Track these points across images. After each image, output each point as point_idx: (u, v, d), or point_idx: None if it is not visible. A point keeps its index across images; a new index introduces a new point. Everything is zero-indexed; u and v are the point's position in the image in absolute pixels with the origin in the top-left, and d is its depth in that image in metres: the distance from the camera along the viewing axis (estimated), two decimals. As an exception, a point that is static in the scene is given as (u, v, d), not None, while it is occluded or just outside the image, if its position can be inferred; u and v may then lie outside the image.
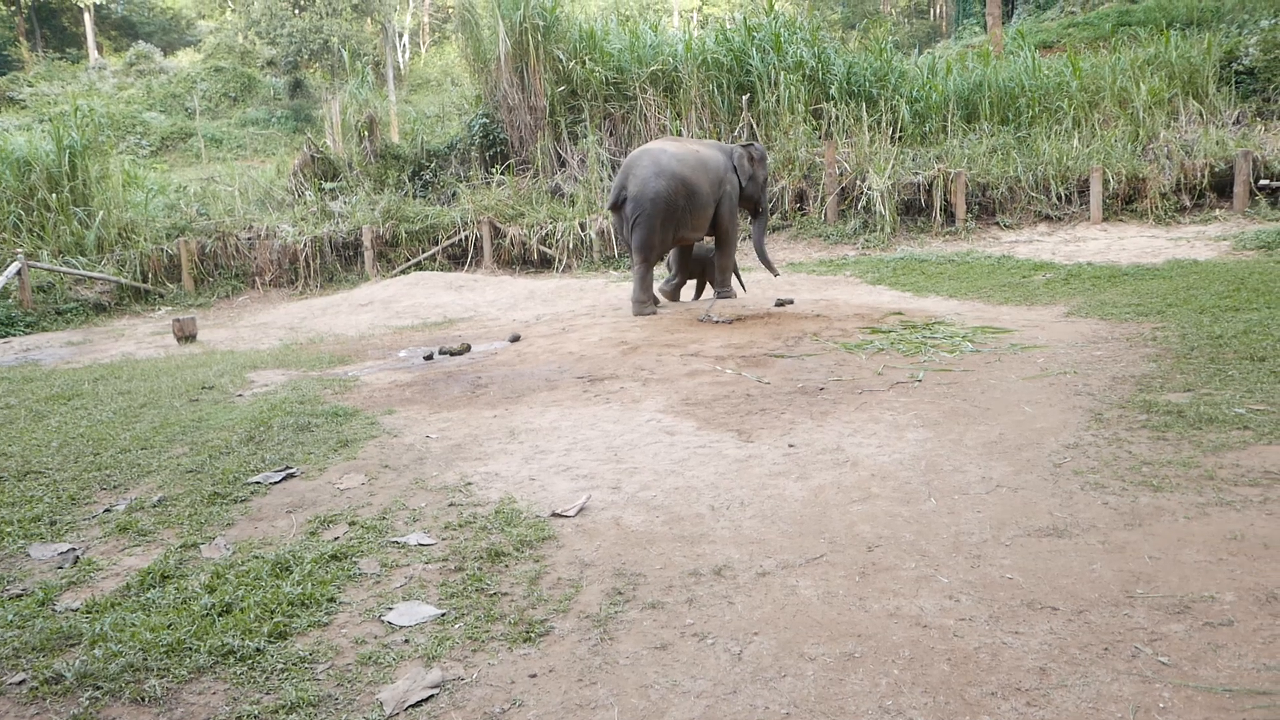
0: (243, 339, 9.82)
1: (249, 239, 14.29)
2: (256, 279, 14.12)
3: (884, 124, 14.28)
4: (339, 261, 14.35)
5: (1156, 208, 12.19)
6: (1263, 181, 11.70)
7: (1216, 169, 12.24)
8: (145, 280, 13.66)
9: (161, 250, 13.86)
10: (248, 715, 2.37)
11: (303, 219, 14.73)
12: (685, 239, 8.94)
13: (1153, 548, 2.99)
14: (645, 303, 8.77)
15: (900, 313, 7.84)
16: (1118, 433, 4.12)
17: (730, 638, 2.65)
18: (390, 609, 2.96)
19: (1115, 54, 15.36)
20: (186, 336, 9.68)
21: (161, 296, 13.60)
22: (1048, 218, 12.66)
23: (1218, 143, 12.57)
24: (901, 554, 3.10)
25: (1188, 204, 12.30)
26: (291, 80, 31.24)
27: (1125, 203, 12.51)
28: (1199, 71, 13.99)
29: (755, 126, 14.64)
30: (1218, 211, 12.09)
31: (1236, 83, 13.95)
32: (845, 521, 3.41)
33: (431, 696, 2.45)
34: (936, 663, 2.43)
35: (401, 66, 34.30)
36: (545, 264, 13.97)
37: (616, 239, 9.30)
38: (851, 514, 3.47)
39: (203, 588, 3.14)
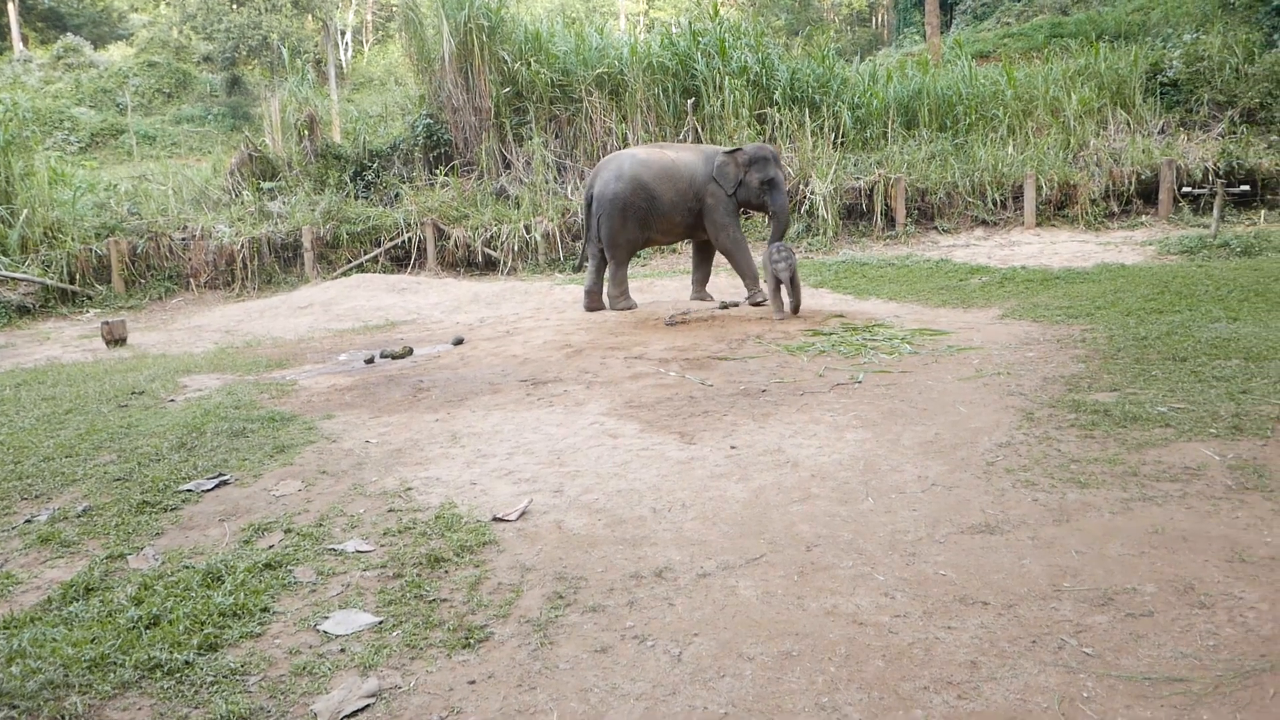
0: (176, 342, 9.56)
1: (183, 239, 13.89)
2: (191, 281, 13.73)
3: (826, 129, 14.50)
4: (278, 263, 14.03)
5: (1087, 213, 12.59)
6: (1186, 189, 12.16)
7: (1143, 176, 12.70)
8: (72, 281, 13.19)
9: (90, 250, 13.39)
10: (174, 730, 2.31)
11: (240, 219, 14.37)
12: (656, 241, 9.07)
13: (1079, 542, 3.08)
14: (618, 298, 9.00)
15: (842, 315, 7.96)
16: (1048, 431, 4.24)
17: (670, 639, 2.66)
18: (326, 618, 2.91)
19: (1048, 64, 15.83)
20: (116, 340, 9.37)
21: (90, 298, 13.15)
22: (984, 222, 12.98)
23: (1144, 151, 13.03)
24: (839, 553, 3.15)
25: (1116, 210, 12.72)
26: (229, 77, 30.50)
27: (1057, 208, 12.89)
28: (1127, 82, 14.49)
29: (700, 130, 14.74)
30: (1144, 217, 12.53)
31: (1161, 94, 14.48)
32: (785, 522, 3.44)
33: (368, 706, 2.41)
34: (872, 659, 2.47)
35: (343, 65, 33.73)
36: (490, 266, 13.86)
37: (585, 237, 9.24)
38: (791, 514, 3.51)
39: (129, 600, 3.05)
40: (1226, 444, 3.86)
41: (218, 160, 17.87)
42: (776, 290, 7.85)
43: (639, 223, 8.63)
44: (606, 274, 9.06)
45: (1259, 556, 2.88)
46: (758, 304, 8.61)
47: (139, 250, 13.63)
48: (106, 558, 3.44)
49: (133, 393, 6.41)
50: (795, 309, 7.88)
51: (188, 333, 10.25)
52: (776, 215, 8.70)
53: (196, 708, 2.42)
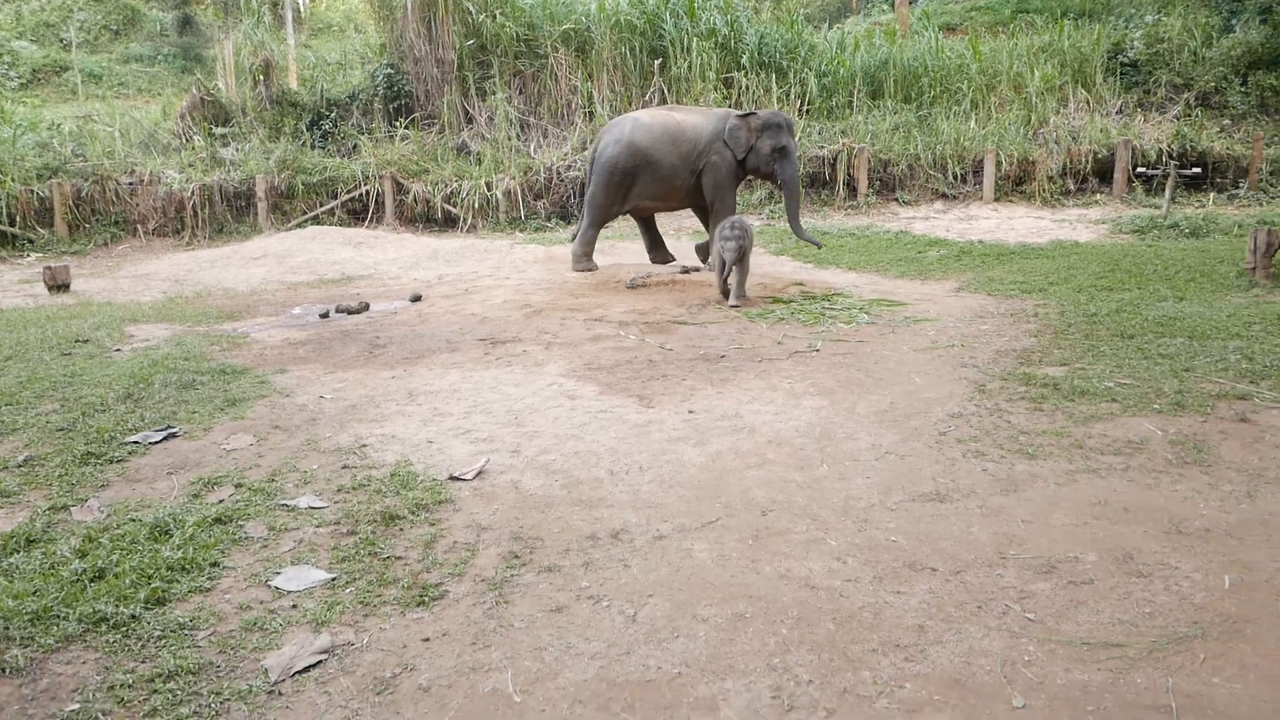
0: (122, 290, 9.29)
1: (130, 184, 13.43)
2: (139, 227, 13.30)
3: (793, 96, 14.45)
4: (230, 212, 13.65)
5: (1044, 190, 12.77)
6: (1140, 169, 12.38)
7: (1100, 155, 12.90)
8: (12, 224, 12.70)
9: (31, 192, 12.88)
10: (120, 685, 2.28)
11: (191, 165, 13.92)
12: (646, 208, 8.88)
13: (1026, 512, 3.16)
14: (581, 258, 8.94)
15: (801, 283, 8.00)
16: (999, 403, 4.32)
17: (625, 600, 2.68)
18: (278, 573, 2.88)
19: (1013, 39, 15.91)
20: (59, 285, 9.08)
21: (31, 242, 12.69)
22: (944, 195, 13.10)
23: (1102, 130, 13.22)
24: (794, 518, 3.19)
25: (1072, 188, 12.92)
26: (180, 16, 29.32)
27: (1016, 184, 13.05)
28: (1088, 61, 14.64)
29: (666, 92, 14.59)
30: (1099, 196, 12.75)
31: (1121, 74, 14.67)
32: (741, 486, 3.48)
33: (320, 662, 2.40)
34: (823, 622, 2.52)
35: (301, 8, 32.62)
36: (450, 223, 13.65)
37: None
38: (747, 479, 3.55)
39: (73, 552, 2.98)
40: (1169, 420, 3.98)
41: (168, 103, 17.26)
42: (722, 272, 7.10)
43: (629, 188, 8.50)
44: (579, 230, 8.95)
45: (1195, 528, 2.98)
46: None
47: (84, 193, 13.16)
48: (49, 509, 3.36)
49: (77, 340, 6.22)
50: (738, 296, 7.01)
51: (135, 281, 9.96)
52: (786, 184, 8.49)
53: (143, 662, 2.39)
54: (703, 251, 8.95)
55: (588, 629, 2.53)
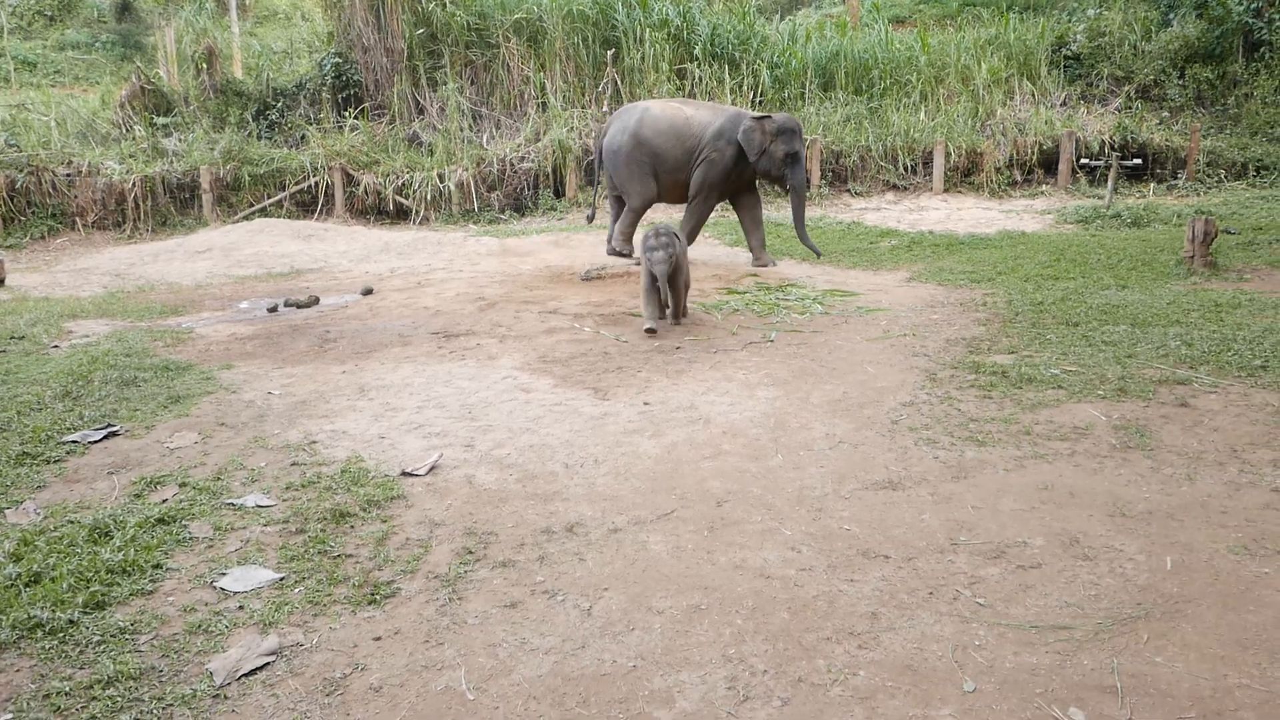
0: (60, 285, 8.99)
1: (68, 175, 12.99)
2: (77, 220, 12.88)
3: (745, 88, 14.48)
4: (173, 204, 13.28)
5: (992, 181, 12.99)
6: (1084, 160, 12.66)
7: (1045, 147, 13.16)
8: (-58, 217, 12.24)
9: (-38, 184, 12.42)
10: (57, 693, 2.20)
11: (131, 156, 13.51)
12: (663, 198, 8.71)
13: (975, 498, 3.21)
14: (622, 241, 8.75)
15: (755, 274, 8.03)
16: (949, 391, 4.38)
17: (580, 594, 2.66)
18: (224, 574, 2.81)
19: (960, 32, 16.14)
20: (-7, 281, 8.76)
21: (-37, 236, 12.23)
22: (895, 187, 13.26)
23: (1047, 122, 13.49)
24: (749, 508, 3.20)
25: (1019, 179, 13.17)
26: (119, 2, 28.43)
27: (964, 175, 13.25)
28: (1033, 54, 14.91)
29: (620, 83, 14.53)
30: (1044, 187, 13.01)
31: (1065, 66, 14.96)
32: (696, 478, 3.48)
33: (268, 664, 2.34)
34: (777, 611, 2.53)
35: (245, -4, 31.85)
36: (401, 215, 13.46)
37: (595, 184, 9.07)
38: (703, 470, 3.55)
39: (6, 556, 2.88)
40: (1112, 405, 4.07)
41: (106, 91, 16.71)
42: (652, 290, 5.87)
43: (647, 174, 8.43)
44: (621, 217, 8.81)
45: (1138, 511, 3.06)
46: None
47: (18, 185, 12.70)
48: (-19, 512, 3.24)
49: (12, 337, 6.01)
50: (675, 317, 6.05)
51: (73, 275, 9.65)
52: (795, 189, 8.37)
53: (81, 668, 2.31)
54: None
55: (542, 624, 2.51)
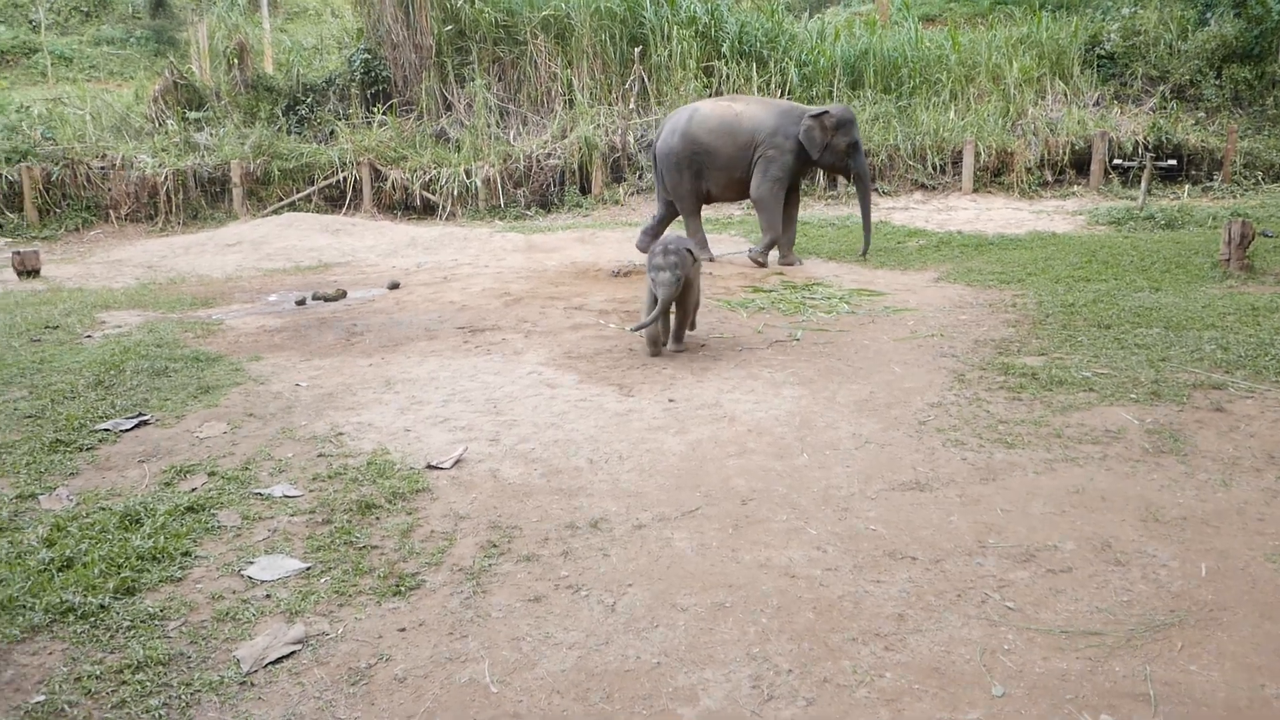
0: (94, 276, 9.13)
1: (102, 168, 13.20)
2: (111, 212, 13.09)
3: (773, 85, 14.41)
4: (204, 198, 13.46)
5: (1022, 181, 12.84)
6: (1116, 161, 12.48)
7: (1077, 147, 12.99)
8: (-19, 208, 12.47)
9: (0, 176, 12.64)
10: (88, 676, 2.23)
11: (164, 150, 13.69)
12: (716, 197, 8.74)
13: (1004, 501, 3.17)
14: (705, 247, 8.67)
15: (781, 273, 7.99)
16: (978, 393, 4.33)
17: (605, 589, 2.66)
18: (251, 563, 2.83)
19: (991, 30, 15.96)
20: (28, 271, 8.91)
21: (1, 227, 12.45)
22: (923, 186, 13.14)
23: (1079, 122, 13.31)
24: (774, 507, 3.18)
25: (1050, 179, 13.01)
26: (153, -1, 28.80)
27: (994, 175, 13.11)
28: (1066, 53, 14.71)
29: (647, 81, 14.52)
30: (1076, 187, 12.84)
31: (1098, 66, 14.76)
32: (721, 475, 3.46)
33: (293, 653, 2.36)
34: (803, 611, 2.51)
35: (276, -8, 32.15)
36: (428, 210, 13.53)
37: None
38: (728, 468, 3.53)
39: (40, 541, 2.92)
40: (1145, 409, 4.00)
41: (140, 86, 16.94)
42: (650, 311, 5.11)
43: (696, 175, 8.45)
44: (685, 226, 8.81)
45: (1172, 517, 3.00)
46: (758, 263, 8.32)
47: (54, 178, 12.92)
48: (16, 497, 3.29)
49: (46, 327, 6.11)
50: (676, 339, 5.36)
51: (106, 267, 9.79)
52: (860, 178, 8.57)
53: (112, 652, 2.34)
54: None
55: (566, 619, 2.51)
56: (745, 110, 8.42)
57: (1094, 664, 2.23)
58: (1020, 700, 2.11)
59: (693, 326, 5.59)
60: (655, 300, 5.07)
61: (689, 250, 5.14)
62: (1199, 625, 2.38)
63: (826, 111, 8.19)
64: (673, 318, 5.36)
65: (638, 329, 5.20)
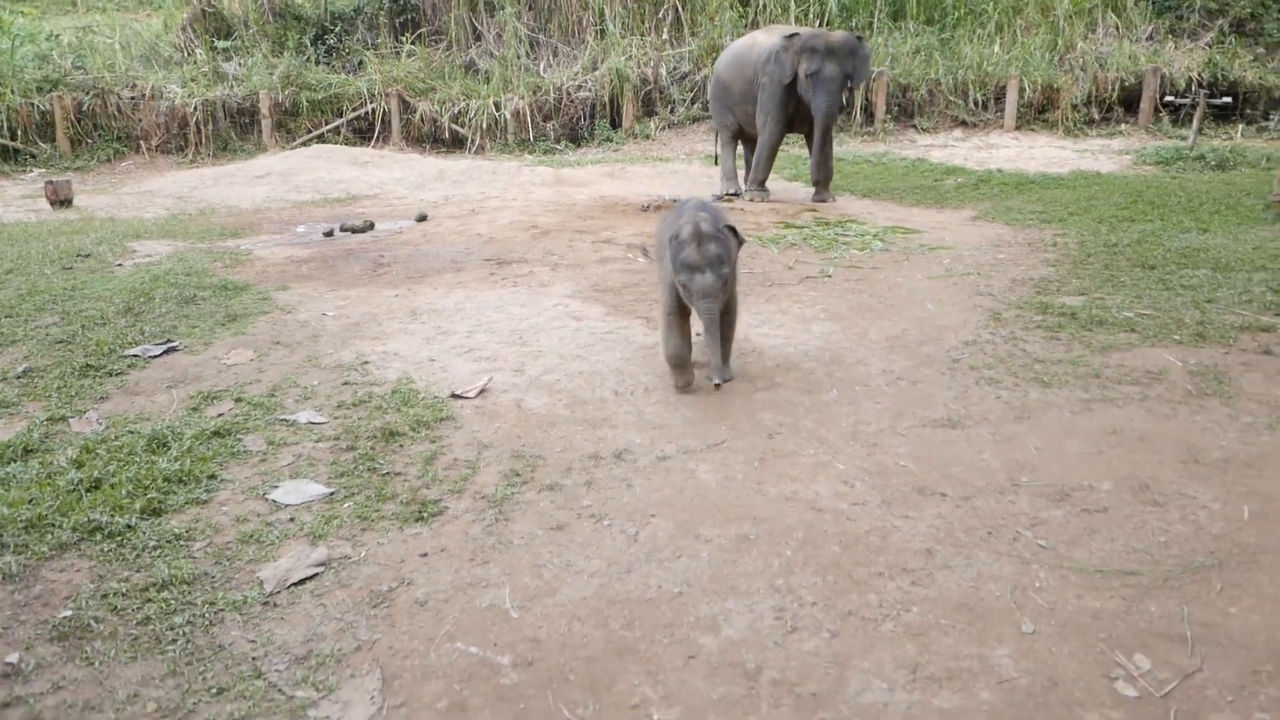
0: (125, 206, 9.16)
1: (132, 99, 13.15)
2: (141, 143, 13.06)
3: (811, 15, 13.94)
4: (234, 129, 13.39)
5: (1067, 119, 12.38)
6: (1168, 98, 11.98)
7: (1126, 83, 12.45)
8: (14, 138, 12.50)
9: (32, 105, 12.64)
10: (114, 593, 2.25)
11: (193, 79, 13.59)
12: (746, 133, 8.54)
13: (1039, 440, 3.09)
14: (723, 179, 8.74)
15: (814, 209, 7.81)
16: (1014, 332, 4.21)
17: (627, 519, 2.63)
18: (276, 487, 2.84)
19: (1043, -42, 15.24)
20: (61, 201, 8.95)
21: (33, 157, 12.49)
22: (964, 123, 12.73)
23: (1130, 57, 12.74)
24: (801, 441, 3.13)
25: (1096, 117, 12.52)
26: (179, -74, 28.39)
27: (1038, 112, 12.65)
28: (1120, -17, 14.04)
29: (680, 10, 14.10)
30: (1123, 126, 12.36)
31: (1153, -1, 14.09)
32: (748, 409, 3.41)
33: (316, 575, 2.37)
34: (828, 544, 2.47)
35: (304, -81, 31.56)
36: (457, 143, 13.37)
37: None
38: (754, 402, 3.47)
39: (70, 462, 2.95)
40: (1189, 350, 3.87)
41: (169, 15, 16.76)
42: (677, 318, 3.60)
43: (726, 108, 8.43)
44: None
45: (1213, 459, 2.91)
46: (726, 196, 8.28)
47: (85, 108, 12.90)
48: (47, 420, 3.32)
49: (78, 255, 6.14)
50: (718, 369, 3.44)
51: (138, 197, 9.81)
52: (814, 114, 7.67)
53: (138, 571, 2.36)
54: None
55: (588, 547, 2.49)
56: (762, 39, 8.07)
57: (1129, 604, 2.17)
58: (1050, 637, 2.06)
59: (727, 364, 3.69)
60: (676, 305, 3.56)
61: (730, 228, 3.57)
62: (1239, 568, 2.30)
63: (796, 34, 7.54)
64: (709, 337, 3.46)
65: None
